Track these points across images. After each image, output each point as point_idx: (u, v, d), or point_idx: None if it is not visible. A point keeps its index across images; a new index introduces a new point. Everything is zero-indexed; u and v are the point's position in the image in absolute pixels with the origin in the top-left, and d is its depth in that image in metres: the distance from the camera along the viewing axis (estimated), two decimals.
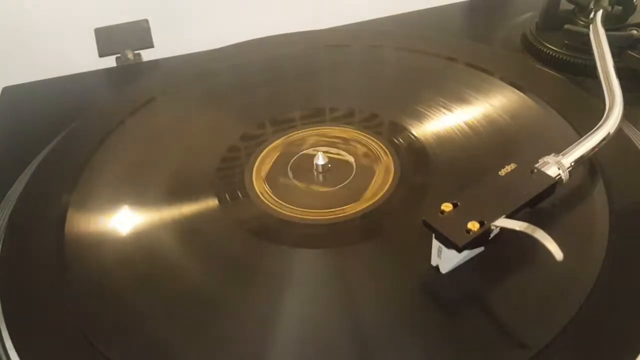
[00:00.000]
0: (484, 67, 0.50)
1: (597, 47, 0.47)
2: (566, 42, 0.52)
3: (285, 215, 0.38)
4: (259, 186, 0.41)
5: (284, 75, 0.54)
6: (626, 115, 0.40)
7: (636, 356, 0.29)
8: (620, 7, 0.52)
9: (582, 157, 0.36)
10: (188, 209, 0.40)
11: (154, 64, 0.60)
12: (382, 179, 0.41)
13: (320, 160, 0.41)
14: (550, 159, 0.35)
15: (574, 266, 0.33)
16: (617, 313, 0.31)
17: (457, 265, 0.33)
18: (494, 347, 0.30)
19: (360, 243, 0.37)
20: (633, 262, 0.34)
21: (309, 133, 0.45)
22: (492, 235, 0.32)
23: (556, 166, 0.35)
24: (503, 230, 0.32)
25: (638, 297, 0.32)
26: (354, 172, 0.41)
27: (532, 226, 0.30)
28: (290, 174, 0.42)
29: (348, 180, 0.41)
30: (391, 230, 0.38)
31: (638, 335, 0.30)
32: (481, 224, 0.31)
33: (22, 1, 0.71)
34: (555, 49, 0.53)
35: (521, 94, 0.46)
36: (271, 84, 0.52)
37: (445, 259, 0.33)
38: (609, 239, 0.34)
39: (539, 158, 0.36)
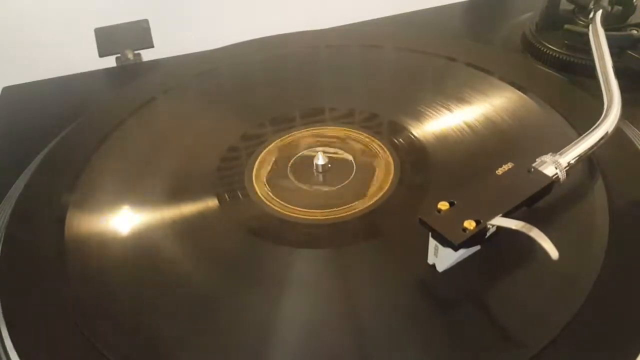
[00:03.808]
0: (484, 67, 0.50)
1: (596, 47, 0.47)
2: (566, 42, 0.52)
3: (285, 215, 0.38)
4: (259, 186, 0.41)
5: (284, 75, 0.54)
6: (626, 115, 0.40)
7: (636, 356, 0.29)
8: (620, 7, 0.52)
9: (579, 157, 0.36)
10: (188, 209, 0.40)
11: (154, 64, 0.60)
12: (382, 178, 0.41)
13: (320, 160, 0.41)
14: (547, 158, 0.35)
15: (573, 266, 0.33)
16: (617, 313, 0.31)
17: (453, 264, 0.33)
18: (494, 347, 0.30)
19: (360, 243, 0.37)
20: (633, 262, 0.34)
21: (309, 133, 0.45)
22: (488, 234, 0.32)
23: (553, 165, 0.35)
24: (500, 229, 0.32)
25: (638, 297, 0.32)
26: (354, 172, 0.41)
27: (528, 225, 0.30)
28: (290, 174, 0.42)
29: (348, 180, 0.41)
30: (391, 230, 0.38)
31: (638, 335, 0.30)
32: (477, 222, 0.31)
33: (22, 1, 0.71)
34: (555, 49, 0.53)
35: (520, 93, 0.46)
36: (271, 84, 0.52)
37: (442, 257, 0.33)
38: (609, 239, 0.34)
39: (538, 157, 0.36)
